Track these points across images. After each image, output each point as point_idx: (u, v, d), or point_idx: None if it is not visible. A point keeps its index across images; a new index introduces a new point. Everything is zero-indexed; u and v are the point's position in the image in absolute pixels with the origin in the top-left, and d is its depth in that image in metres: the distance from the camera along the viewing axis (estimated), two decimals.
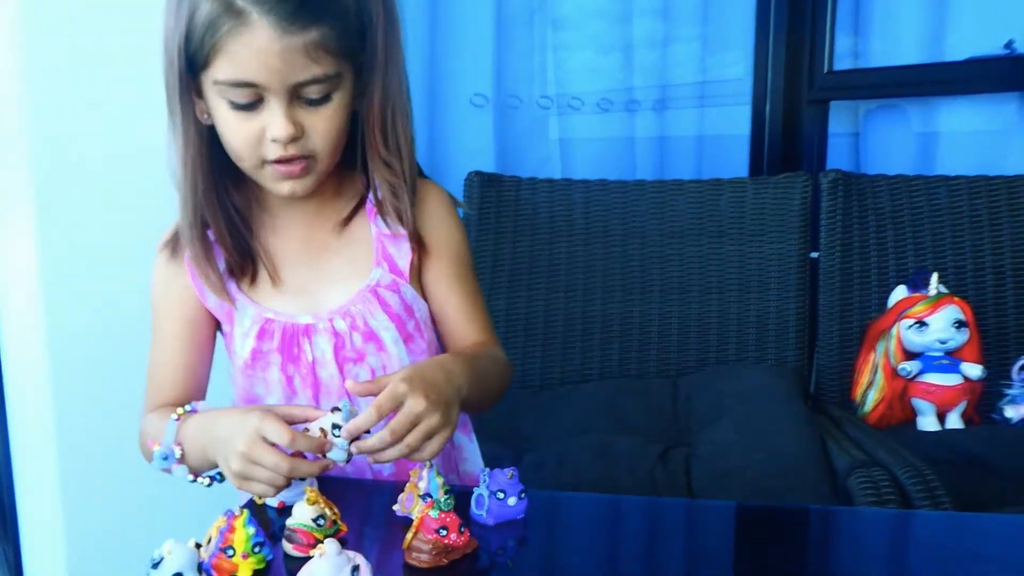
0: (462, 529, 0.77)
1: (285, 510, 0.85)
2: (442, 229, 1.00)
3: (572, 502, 0.94)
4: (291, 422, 0.80)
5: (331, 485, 0.89)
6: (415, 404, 0.78)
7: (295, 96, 0.85)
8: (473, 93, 2.18)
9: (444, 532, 0.75)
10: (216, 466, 0.85)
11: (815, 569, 0.80)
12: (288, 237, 0.98)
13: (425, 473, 0.85)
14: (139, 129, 1.40)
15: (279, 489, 0.80)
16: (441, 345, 1.04)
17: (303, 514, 0.79)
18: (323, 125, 0.87)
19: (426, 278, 1.01)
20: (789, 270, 1.87)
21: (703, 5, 2.18)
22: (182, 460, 0.86)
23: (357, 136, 0.93)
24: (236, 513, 0.76)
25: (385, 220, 0.97)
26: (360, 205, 0.99)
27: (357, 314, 0.95)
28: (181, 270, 0.97)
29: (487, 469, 0.85)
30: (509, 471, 0.84)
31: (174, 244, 0.98)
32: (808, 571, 0.80)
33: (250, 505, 0.88)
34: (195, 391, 0.99)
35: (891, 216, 1.85)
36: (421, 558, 0.75)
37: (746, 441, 1.51)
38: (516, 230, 1.92)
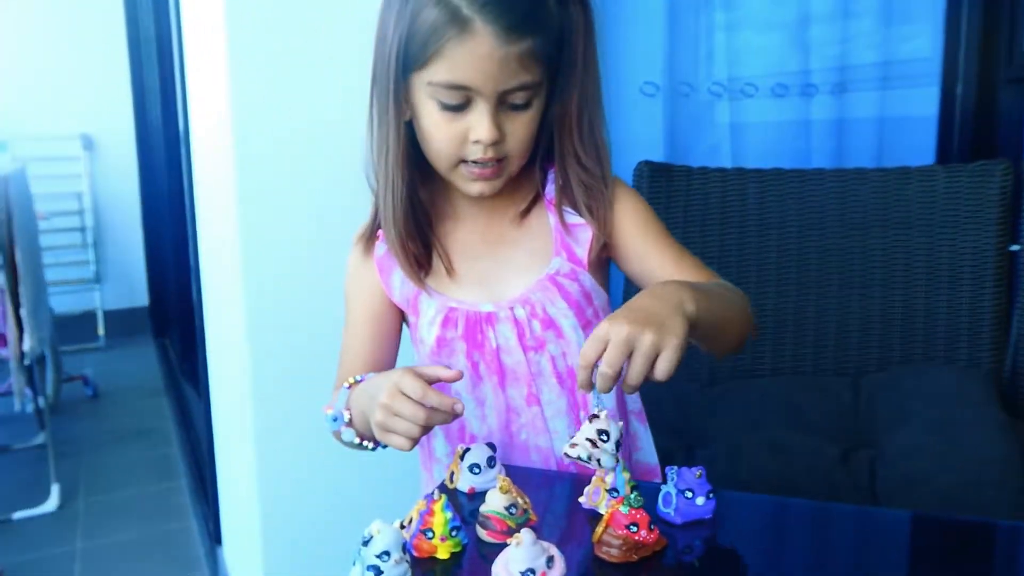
0: (652, 526, 0.77)
1: (476, 496, 0.89)
2: (629, 213, 1.00)
3: (761, 504, 0.92)
4: (428, 381, 0.84)
5: (517, 474, 0.91)
6: (617, 331, 0.76)
7: (501, 101, 0.88)
8: (643, 82, 2.16)
9: (635, 528, 0.76)
10: None
11: None
12: (468, 229, 1.02)
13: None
14: (332, 130, 1.49)
15: (415, 441, 0.84)
16: None
17: (496, 502, 0.81)
18: (521, 131, 0.91)
19: (625, 256, 1.00)
20: (985, 263, 1.74)
21: None
22: (350, 424, 0.93)
23: (540, 135, 0.95)
24: (435, 497, 0.79)
25: (561, 211, 0.99)
26: (537, 197, 1.01)
27: (536, 302, 0.97)
28: (371, 266, 1.03)
29: (675, 467, 0.84)
30: (697, 470, 0.83)
31: (367, 239, 1.04)
32: None
33: (443, 489, 0.92)
34: None
35: None
36: (611, 552, 0.76)
37: (937, 447, 1.43)
38: (687, 221, 1.88)
